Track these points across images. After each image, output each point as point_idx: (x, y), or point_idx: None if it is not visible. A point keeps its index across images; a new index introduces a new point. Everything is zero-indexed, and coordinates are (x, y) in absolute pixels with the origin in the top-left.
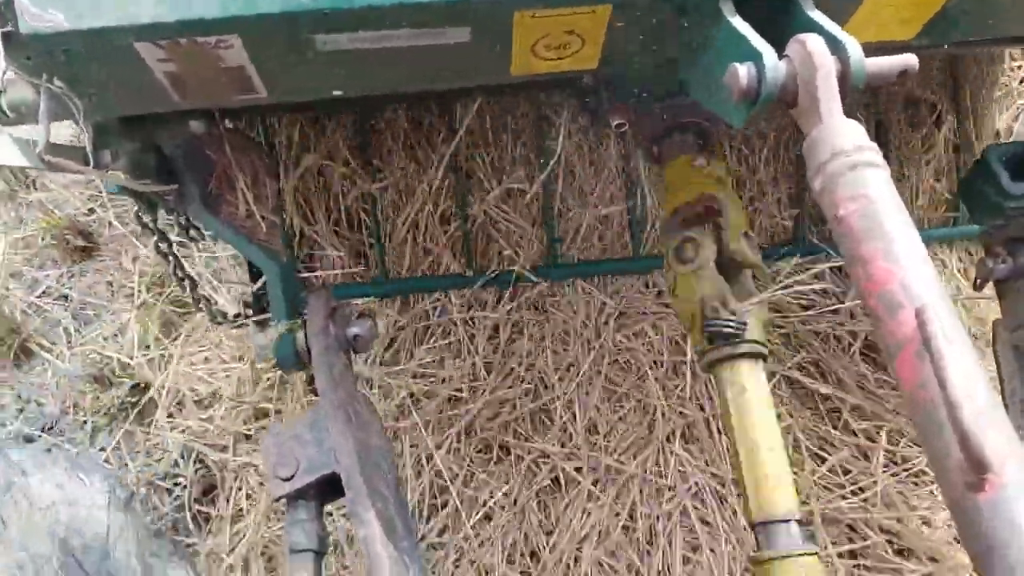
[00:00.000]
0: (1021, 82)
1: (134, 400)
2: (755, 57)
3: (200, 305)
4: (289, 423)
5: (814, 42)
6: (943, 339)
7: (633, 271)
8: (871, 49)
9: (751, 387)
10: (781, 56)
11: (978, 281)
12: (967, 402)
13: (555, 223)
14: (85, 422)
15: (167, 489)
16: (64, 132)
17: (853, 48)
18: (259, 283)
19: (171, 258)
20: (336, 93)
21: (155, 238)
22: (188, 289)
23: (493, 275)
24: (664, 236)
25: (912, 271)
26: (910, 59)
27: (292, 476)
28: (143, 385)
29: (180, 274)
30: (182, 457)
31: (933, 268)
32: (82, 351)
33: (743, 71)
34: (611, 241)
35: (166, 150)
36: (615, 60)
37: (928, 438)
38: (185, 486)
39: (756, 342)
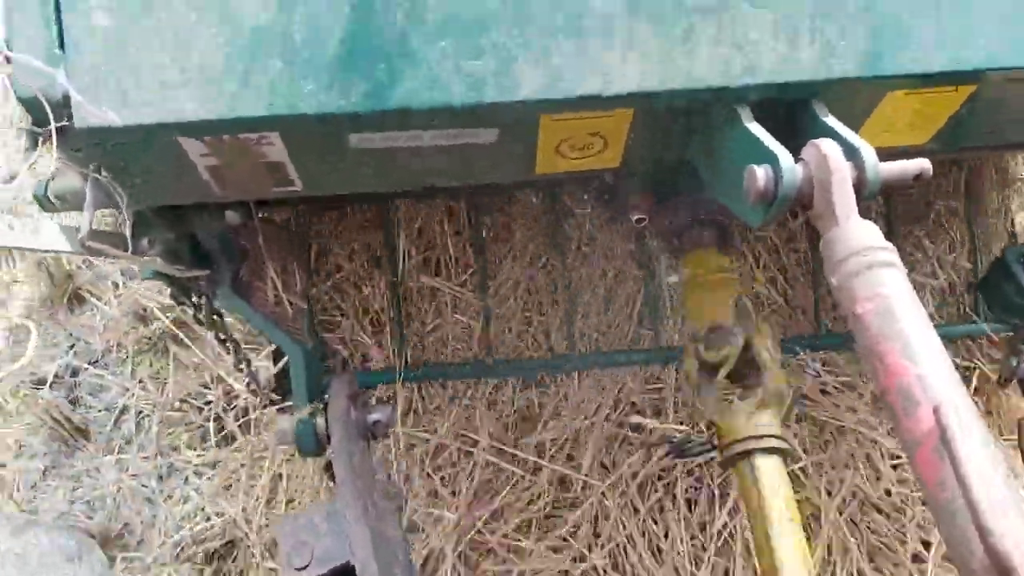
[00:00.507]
0: None
1: (173, 333)
2: (772, 160)
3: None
4: (306, 511)
5: (829, 146)
6: (961, 437)
7: (652, 362)
8: (884, 154)
9: (768, 485)
10: (797, 160)
11: (1002, 379)
12: (988, 502)
13: (573, 313)
14: (126, 357)
15: (198, 407)
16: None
17: (867, 153)
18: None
19: (231, 346)
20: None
21: (193, 312)
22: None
23: (513, 364)
24: (687, 333)
25: (929, 367)
26: (924, 164)
27: (306, 566)
28: (181, 323)
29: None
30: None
31: (951, 365)
32: (127, 298)
33: (760, 173)
34: (628, 332)
35: (201, 238)
36: (636, 159)
37: (950, 537)
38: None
39: (772, 436)
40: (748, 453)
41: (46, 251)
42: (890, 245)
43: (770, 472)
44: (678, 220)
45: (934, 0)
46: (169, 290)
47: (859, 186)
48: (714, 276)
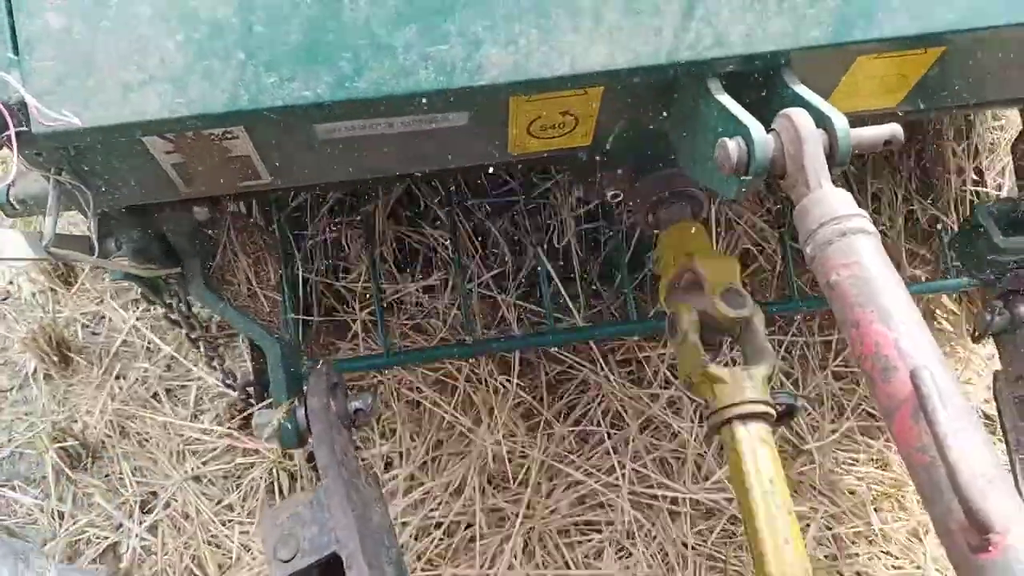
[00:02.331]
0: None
1: None
2: (743, 132)
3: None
4: (289, 502)
5: (799, 115)
6: (938, 400)
7: (635, 333)
8: (856, 118)
9: (753, 450)
10: (769, 130)
11: (976, 334)
12: (966, 464)
13: (547, 293)
14: None
15: None
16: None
17: (838, 120)
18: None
19: (201, 343)
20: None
21: (164, 311)
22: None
23: (497, 343)
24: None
25: (906, 333)
26: (895, 128)
27: (292, 557)
28: None
29: (211, 357)
30: None
31: (927, 330)
32: None
33: (732, 146)
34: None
35: (169, 235)
36: (608, 136)
37: (930, 500)
38: None
39: (756, 401)
40: (741, 418)
41: (9, 259)
42: (863, 212)
43: (762, 438)
44: (653, 195)
45: None
46: (140, 290)
47: (831, 154)
48: (682, 251)
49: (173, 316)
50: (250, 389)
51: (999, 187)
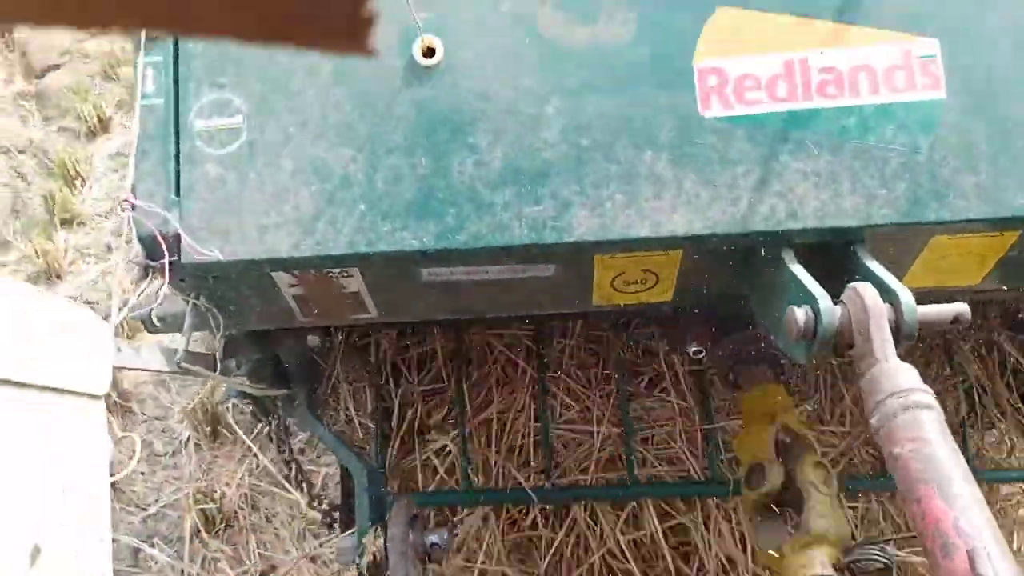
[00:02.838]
0: None
1: None
2: (812, 301)
3: (312, 504)
4: None
5: (866, 289)
6: None
7: (709, 495)
8: (940, 294)
9: None
10: (837, 301)
11: None
12: None
13: (631, 443)
14: None
15: None
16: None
17: (904, 296)
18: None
19: (293, 465)
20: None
21: (274, 442)
22: (298, 490)
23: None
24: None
25: (966, 512)
26: (961, 307)
27: None
28: None
29: (299, 478)
30: None
31: (987, 509)
32: None
33: (800, 314)
34: (685, 464)
35: (283, 359)
36: (688, 294)
37: None
38: None
39: None
40: None
41: (146, 370)
42: (927, 387)
43: None
44: (734, 354)
45: (972, 153)
46: (250, 408)
47: (897, 328)
48: (765, 410)
49: (272, 433)
50: (335, 513)
51: None
